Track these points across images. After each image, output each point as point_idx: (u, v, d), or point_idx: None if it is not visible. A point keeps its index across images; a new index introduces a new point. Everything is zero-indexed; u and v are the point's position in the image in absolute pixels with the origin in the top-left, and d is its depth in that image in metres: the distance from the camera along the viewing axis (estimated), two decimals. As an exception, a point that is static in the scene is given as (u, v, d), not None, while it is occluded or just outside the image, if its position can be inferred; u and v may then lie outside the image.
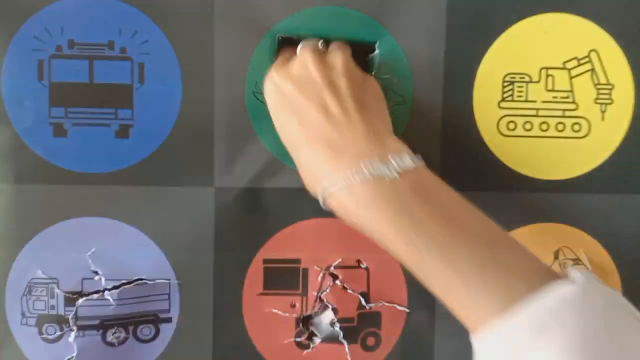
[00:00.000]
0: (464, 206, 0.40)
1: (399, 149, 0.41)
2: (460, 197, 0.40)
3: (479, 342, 0.37)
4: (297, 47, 0.46)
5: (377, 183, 0.39)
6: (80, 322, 0.47)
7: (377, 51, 0.47)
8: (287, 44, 0.47)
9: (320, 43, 0.46)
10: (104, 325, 0.48)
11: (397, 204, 0.39)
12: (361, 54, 0.47)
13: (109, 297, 0.47)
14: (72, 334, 0.47)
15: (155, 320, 0.48)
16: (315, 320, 0.50)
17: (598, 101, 0.50)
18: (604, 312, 0.35)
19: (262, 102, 0.47)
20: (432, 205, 0.39)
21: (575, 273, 0.37)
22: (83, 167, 0.47)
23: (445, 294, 0.39)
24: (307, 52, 0.44)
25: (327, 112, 0.42)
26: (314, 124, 0.42)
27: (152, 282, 0.48)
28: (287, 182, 0.48)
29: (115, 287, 0.47)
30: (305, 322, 0.49)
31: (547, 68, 0.49)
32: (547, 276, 0.37)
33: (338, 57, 0.44)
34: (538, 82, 0.49)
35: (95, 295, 0.47)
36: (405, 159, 0.40)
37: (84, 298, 0.47)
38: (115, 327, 0.48)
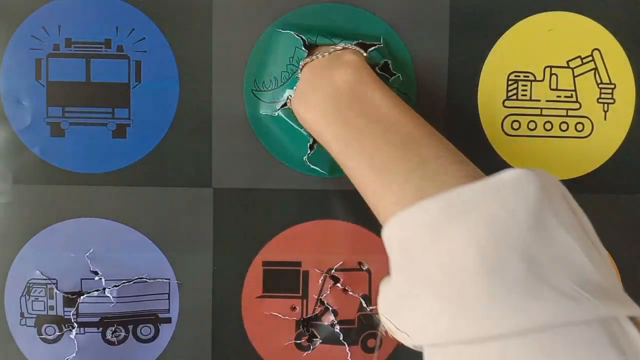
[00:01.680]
0: (397, 105, 0.39)
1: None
2: (396, 97, 0.40)
3: (391, 228, 0.34)
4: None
5: (320, 74, 0.42)
6: (80, 319, 0.47)
7: (381, 44, 0.46)
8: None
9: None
10: (104, 322, 0.48)
11: (334, 102, 0.40)
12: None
13: (109, 295, 0.47)
14: (74, 331, 0.47)
15: (155, 319, 0.48)
16: (316, 322, 0.49)
17: (600, 100, 0.49)
18: (534, 202, 0.30)
19: (261, 100, 0.46)
20: (361, 103, 0.39)
21: (514, 169, 0.32)
22: (80, 167, 0.46)
23: (364, 186, 0.38)
24: None
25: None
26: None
27: (152, 280, 0.48)
28: (287, 183, 0.47)
29: (115, 286, 0.47)
30: (306, 324, 0.49)
31: (551, 67, 0.48)
32: (475, 173, 0.34)
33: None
34: (542, 80, 0.48)
35: (95, 293, 0.47)
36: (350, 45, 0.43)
37: (85, 295, 0.47)
38: (115, 326, 0.48)
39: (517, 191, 0.31)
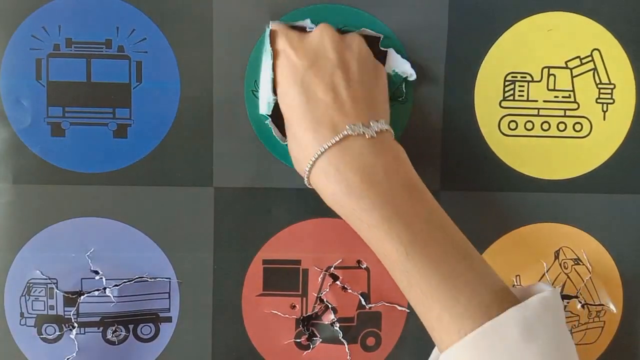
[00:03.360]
0: (443, 213, 0.41)
1: (379, 118, 0.42)
2: (435, 201, 0.41)
3: (460, 350, 0.37)
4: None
5: (351, 150, 0.40)
6: (81, 319, 0.47)
7: (381, 36, 0.47)
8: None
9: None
10: (104, 322, 0.48)
11: (385, 191, 0.39)
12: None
13: (109, 294, 0.47)
14: (74, 331, 0.47)
15: (156, 319, 0.48)
16: (316, 322, 0.50)
17: (599, 101, 0.49)
18: (562, 312, 0.39)
19: (260, 100, 0.47)
20: (420, 203, 0.40)
21: (540, 284, 0.39)
22: (81, 167, 0.46)
23: (424, 292, 0.38)
24: (327, 28, 0.44)
25: (336, 96, 0.41)
26: (321, 104, 0.41)
27: (152, 279, 0.48)
28: (286, 182, 0.48)
29: (116, 285, 0.47)
30: (306, 323, 0.49)
31: (549, 67, 0.49)
32: (507, 290, 0.39)
33: (355, 39, 0.44)
34: (540, 81, 0.49)
35: (96, 292, 0.47)
36: (382, 123, 0.41)
37: (86, 295, 0.47)
38: (116, 325, 0.48)
39: (559, 304, 0.38)
